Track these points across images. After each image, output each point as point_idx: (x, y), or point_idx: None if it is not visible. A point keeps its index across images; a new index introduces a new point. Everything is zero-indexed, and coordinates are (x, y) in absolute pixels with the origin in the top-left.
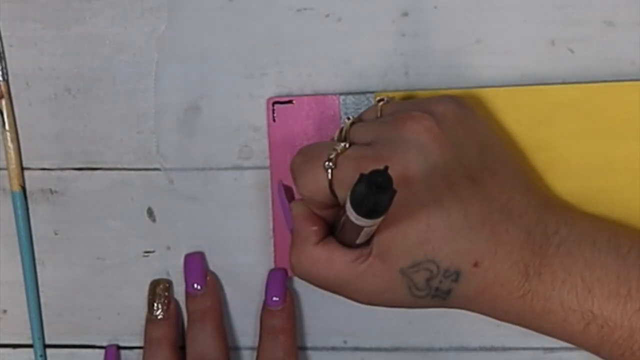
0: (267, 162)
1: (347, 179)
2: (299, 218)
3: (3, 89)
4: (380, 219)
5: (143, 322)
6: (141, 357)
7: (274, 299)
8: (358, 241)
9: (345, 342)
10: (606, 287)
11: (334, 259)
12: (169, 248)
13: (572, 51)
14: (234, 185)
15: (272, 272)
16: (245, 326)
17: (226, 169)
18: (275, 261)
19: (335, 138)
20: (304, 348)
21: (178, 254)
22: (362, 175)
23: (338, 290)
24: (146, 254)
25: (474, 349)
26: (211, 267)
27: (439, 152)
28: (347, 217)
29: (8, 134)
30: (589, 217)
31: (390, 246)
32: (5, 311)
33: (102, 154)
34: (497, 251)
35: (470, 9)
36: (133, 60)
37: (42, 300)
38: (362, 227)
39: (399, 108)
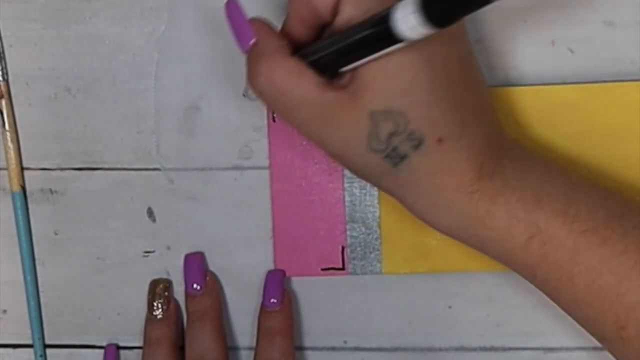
0: (267, 162)
1: None
2: (264, 31)
3: (3, 89)
4: (441, 29)
5: (143, 322)
6: (141, 357)
7: (272, 300)
8: (344, 69)
9: (345, 342)
10: (555, 203)
11: (306, 76)
12: (169, 248)
13: (572, 51)
14: (234, 185)
15: (269, 274)
16: (245, 326)
17: (226, 169)
18: (275, 261)
19: None
20: (303, 348)
21: (178, 254)
22: None
23: (296, 113)
24: (146, 254)
25: (474, 349)
26: (211, 267)
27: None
28: (365, 33)
29: (8, 134)
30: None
31: (371, 82)
32: (5, 311)
33: (102, 154)
34: (461, 139)
35: None
36: (133, 60)
37: (42, 300)
38: (384, 46)
39: None
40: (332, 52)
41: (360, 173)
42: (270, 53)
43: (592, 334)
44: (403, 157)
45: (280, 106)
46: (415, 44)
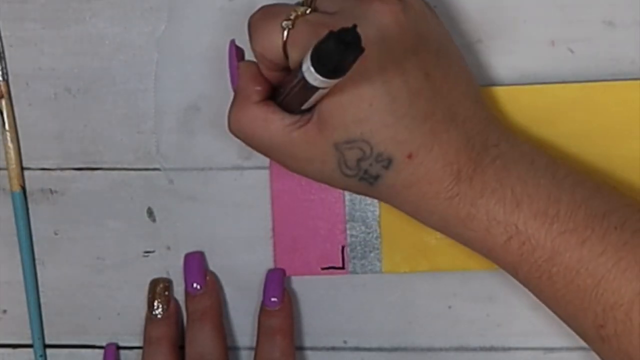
0: (267, 162)
1: (302, 41)
2: (245, 76)
3: (3, 89)
4: (337, 80)
5: (143, 322)
6: (141, 356)
7: (272, 299)
8: (304, 107)
9: (345, 342)
10: (535, 204)
11: (271, 120)
12: (169, 248)
13: (572, 51)
14: (234, 185)
15: (270, 273)
16: (245, 326)
17: (226, 169)
18: (275, 261)
19: (301, 1)
20: (303, 348)
21: (178, 254)
22: (330, 33)
23: (270, 153)
24: (146, 254)
25: (474, 349)
26: (211, 267)
27: (398, 37)
28: (299, 80)
29: (8, 134)
30: (532, 142)
31: (329, 117)
32: (5, 311)
33: (102, 154)
34: (433, 148)
35: (470, 9)
36: (133, 60)
37: (42, 300)
38: (314, 90)
39: None
40: (287, 94)
41: (348, 190)
42: (240, 101)
43: (574, 332)
44: (376, 177)
45: (255, 147)
46: (369, 73)
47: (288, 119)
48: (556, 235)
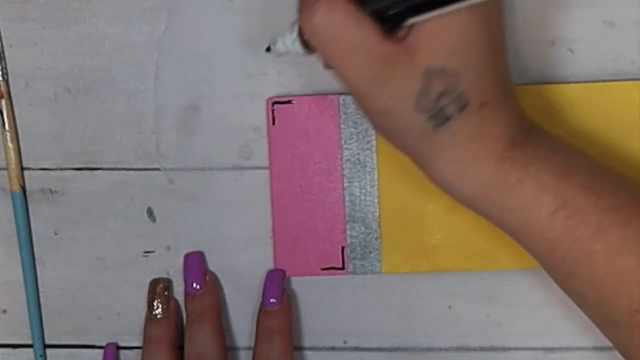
0: (267, 162)
1: None
2: None
3: (3, 89)
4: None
5: (143, 322)
6: (140, 356)
7: (271, 300)
8: (406, 22)
9: (345, 342)
10: (583, 176)
11: (365, 23)
12: (169, 248)
13: (572, 51)
14: (234, 185)
15: (269, 273)
16: (244, 326)
17: (226, 169)
18: (275, 261)
19: None
20: (303, 348)
21: (178, 254)
22: None
23: (343, 62)
24: (146, 254)
25: (474, 349)
26: (211, 267)
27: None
28: None
29: (8, 134)
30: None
31: (429, 40)
32: (5, 311)
33: (102, 154)
34: (500, 106)
35: None
36: (133, 60)
37: (42, 300)
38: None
39: None
40: (394, 4)
41: (396, 134)
42: None
43: (600, 319)
44: (447, 119)
45: (331, 50)
46: (479, 10)
47: (381, 28)
48: (602, 211)
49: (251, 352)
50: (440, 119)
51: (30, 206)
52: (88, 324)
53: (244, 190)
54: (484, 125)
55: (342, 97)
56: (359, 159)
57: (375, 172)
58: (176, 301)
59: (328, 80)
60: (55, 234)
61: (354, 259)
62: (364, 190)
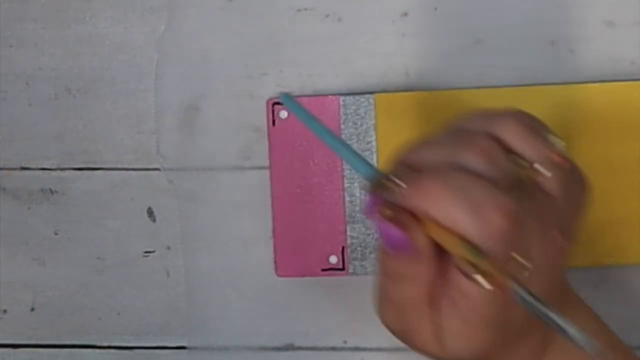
0: (267, 162)
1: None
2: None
3: None
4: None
5: (143, 322)
6: (141, 356)
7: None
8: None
9: (345, 342)
10: None
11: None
12: (169, 248)
13: (572, 51)
14: (234, 185)
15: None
16: (245, 326)
17: (226, 169)
18: (275, 261)
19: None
20: (303, 348)
21: (178, 254)
22: None
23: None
24: (146, 254)
25: None
26: (211, 267)
27: None
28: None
29: None
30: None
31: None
32: (5, 311)
33: (102, 154)
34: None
35: (470, 9)
36: (133, 60)
37: (42, 300)
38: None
39: None
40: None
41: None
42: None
43: None
44: None
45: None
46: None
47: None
48: None
49: (253, 352)
50: None
51: (30, 206)
52: (88, 324)
53: (244, 190)
54: None
55: (342, 97)
56: None
57: None
58: None
59: (328, 81)
60: (55, 234)
61: (354, 259)
62: (364, 190)
